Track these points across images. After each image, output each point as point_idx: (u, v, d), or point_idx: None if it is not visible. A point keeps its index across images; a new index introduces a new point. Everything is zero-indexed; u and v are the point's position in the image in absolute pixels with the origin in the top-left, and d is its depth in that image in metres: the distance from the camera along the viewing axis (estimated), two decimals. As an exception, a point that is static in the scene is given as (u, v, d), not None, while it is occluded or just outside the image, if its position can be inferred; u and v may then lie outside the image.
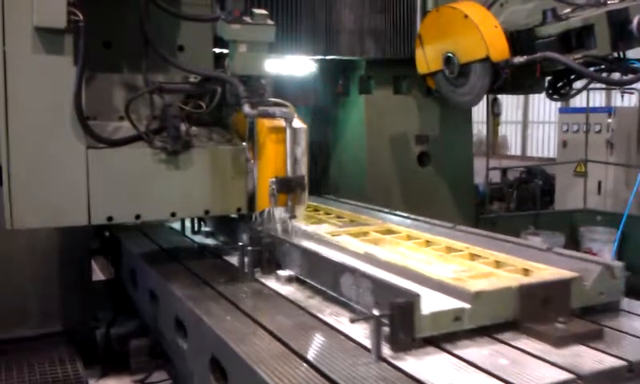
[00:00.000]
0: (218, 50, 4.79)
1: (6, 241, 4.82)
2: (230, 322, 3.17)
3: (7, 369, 4.60)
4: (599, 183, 11.58)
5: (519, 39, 5.53)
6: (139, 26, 4.07)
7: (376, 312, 2.59)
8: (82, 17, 3.62)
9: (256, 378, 2.56)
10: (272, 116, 4.12)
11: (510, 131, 21.30)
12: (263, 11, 4.25)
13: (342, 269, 3.27)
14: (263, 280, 3.90)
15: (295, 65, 6.47)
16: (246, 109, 4.01)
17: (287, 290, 3.68)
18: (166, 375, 4.81)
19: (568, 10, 5.32)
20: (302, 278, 3.77)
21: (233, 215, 4.55)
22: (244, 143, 4.35)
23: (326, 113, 7.12)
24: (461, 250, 3.75)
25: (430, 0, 6.50)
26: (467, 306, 2.78)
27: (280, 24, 5.64)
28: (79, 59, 3.69)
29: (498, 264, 3.48)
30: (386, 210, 5.14)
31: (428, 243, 4.02)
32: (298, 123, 4.16)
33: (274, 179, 4.08)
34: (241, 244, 4.08)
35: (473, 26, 5.51)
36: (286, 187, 4.09)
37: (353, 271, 3.17)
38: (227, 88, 4.22)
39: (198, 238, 5.19)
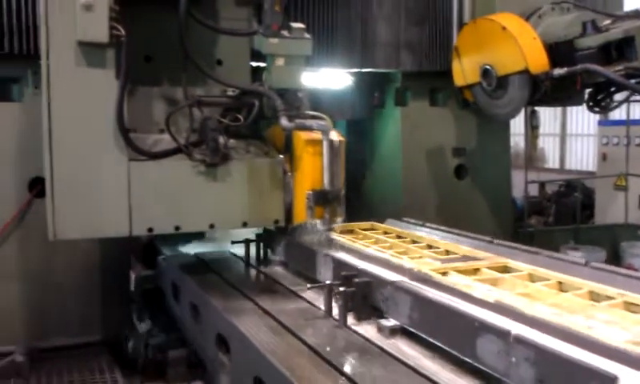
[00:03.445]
0: (255, 64, 4.84)
1: (48, 251, 4.91)
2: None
3: (47, 377, 4.69)
4: (640, 197, 11.32)
5: (558, 51, 5.45)
6: (179, 41, 4.14)
7: None
8: (123, 32, 3.70)
9: None
10: (309, 129, 4.14)
11: (547, 144, 21.00)
12: (300, 25, 4.28)
13: (482, 327, 2.55)
14: (359, 329, 3.24)
15: (331, 78, 6.49)
16: (283, 122, 4.04)
17: (396, 347, 3.00)
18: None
19: (608, 21, 5.24)
20: (411, 330, 3.09)
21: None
22: (281, 156, 4.38)
23: (361, 125, 7.12)
24: (612, 298, 2.92)
25: (467, 12, 6.46)
26: None
27: (316, 37, 5.67)
28: (121, 73, 3.77)
29: None
30: (487, 239, 4.26)
31: (561, 285, 3.20)
32: (334, 136, 4.17)
33: (310, 192, 4.10)
34: (328, 282, 3.57)
35: (511, 37, 5.47)
36: (323, 200, 4.10)
37: (502, 333, 2.46)
38: (264, 101, 4.26)
39: (266, 269, 4.69)
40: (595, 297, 3.00)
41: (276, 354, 2.98)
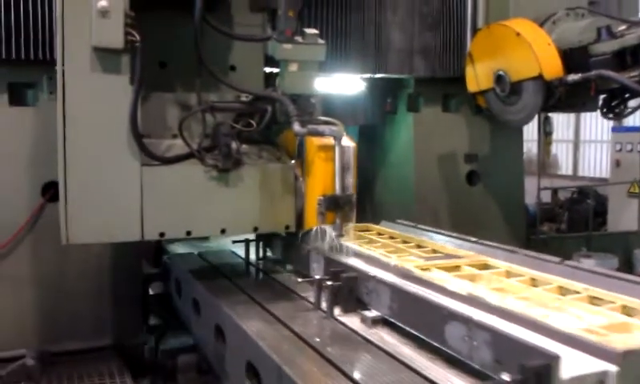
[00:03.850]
0: (268, 69, 4.84)
1: (60, 255, 4.93)
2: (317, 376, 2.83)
3: (58, 380, 4.70)
4: (654, 204, 11.21)
5: (572, 57, 5.42)
6: (193, 47, 4.14)
7: (506, 377, 2.23)
8: (138, 37, 3.72)
9: None
10: (321, 134, 4.14)
11: (561, 150, 20.89)
12: (314, 30, 4.28)
13: (450, 315, 2.83)
14: (344, 320, 3.52)
15: (344, 83, 6.48)
16: (296, 127, 4.04)
17: (378, 336, 3.27)
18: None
19: (623, 27, 5.20)
20: (392, 320, 3.37)
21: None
22: (293, 161, 4.38)
23: (373, 131, 7.10)
24: (577, 292, 3.17)
25: (481, 17, 6.44)
26: (613, 368, 2.27)
27: (329, 42, 5.67)
28: (136, 79, 3.78)
29: (628, 311, 2.90)
30: (473, 240, 4.42)
31: (534, 281, 3.44)
32: (346, 141, 4.16)
33: (322, 197, 4.09)
34: (317, 277, 3.79)
35: (525, 43, 5.44)
36: (335, 205, 4.09)
37: (465, 320, 2.73)
38: (277, 106, 4.26)
39: (264, 266, 4.97)
40: (564, 291, 3.25)
41: (266, 341, 3.23)
